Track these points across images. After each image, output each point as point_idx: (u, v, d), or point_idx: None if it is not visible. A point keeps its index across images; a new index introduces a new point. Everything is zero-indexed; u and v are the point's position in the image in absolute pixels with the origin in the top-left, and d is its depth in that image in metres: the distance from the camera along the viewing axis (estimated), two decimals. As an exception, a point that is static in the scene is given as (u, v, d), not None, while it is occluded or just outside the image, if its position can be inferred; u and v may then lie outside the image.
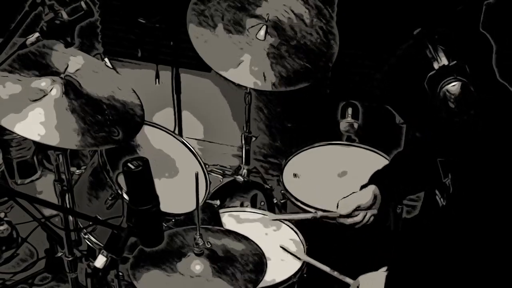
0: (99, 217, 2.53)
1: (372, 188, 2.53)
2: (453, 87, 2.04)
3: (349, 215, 2.52)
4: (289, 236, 2.71)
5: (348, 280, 2.43)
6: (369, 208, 2.52)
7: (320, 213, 2.60)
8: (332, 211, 2.56)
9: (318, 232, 2.71)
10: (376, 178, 2.59)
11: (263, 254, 2.34)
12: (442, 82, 2.05)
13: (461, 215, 2.23)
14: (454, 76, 2.04)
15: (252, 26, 2.88)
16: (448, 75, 2.05)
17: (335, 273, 2.47)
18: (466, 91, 2.04)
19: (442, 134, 2.16)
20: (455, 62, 2.05)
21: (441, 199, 2.39)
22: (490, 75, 2.15)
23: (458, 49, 2.08)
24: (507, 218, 2.15)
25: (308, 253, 2.60)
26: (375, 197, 2.52)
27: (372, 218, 2.54)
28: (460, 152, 2.21)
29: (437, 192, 2.42)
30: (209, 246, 2.25)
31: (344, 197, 2.54)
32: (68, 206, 2.68)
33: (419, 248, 2.39)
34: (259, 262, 2.30)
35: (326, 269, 2.49)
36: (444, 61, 2.06)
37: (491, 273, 2.22)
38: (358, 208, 2.51)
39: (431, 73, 2.07)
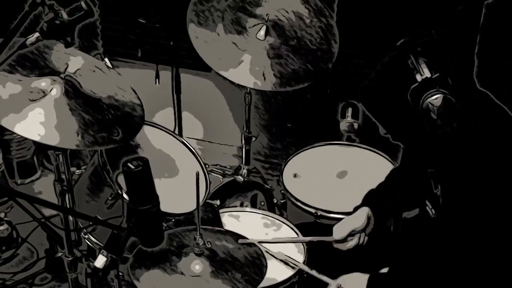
0: (99, 217, 2.53)
1: (365, 210, 2.53)
2: (436, 99, 2.06)
3: (344, 240, 2.52)
4: (289, 237, 2.71)
5: (325, 279, 2.45)
6: (363, 230, 2.53)
7: (316, 238, 2.60)
8: (327, 237, 2.56)
9: (318, 233, 2.71)
10: (369, 199, 2.58)
11: (263, 254, 2.34)
12: (425, 95, 2.06)
13: (451, 225, 2.23)
14: (436, 89, 2.06)
15: (252, 26, 2.88)
16: (430, 87, 2.06)
17: (313, 272, 2.48)
18: (449, 103, 2.05)
19: (426, 146, 2.17)
20: (437, 74, 2.07)
21: (432, 210, 2.40)
22: (471, 85, 2.15)
23: (440, 60, 2.09)
24: (496, 228, 2.15)
25: (308, 253, 2.60)
26: (368, 219, 2.52)
27: (366, 239, 2.55)
28: (445, 163, 2.21)
29: (427, 203, 2.42)
30: (209, 246, 2.25)
31: (337, 223, 2.55)
32: (68, 206, 2.68)
33: (416, 253, 2.39)
34: (259, 262, 2.30)
35: (305, 268, 2.51)
36: (426, 73, 2.07)
37: (482, 280, 2.22)
38: (352, 232, 2.52)
39: (414, 86, 2.08)
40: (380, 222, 2.57)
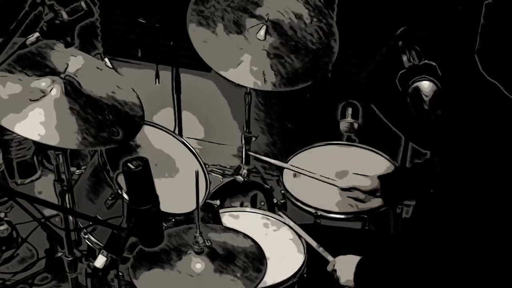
0: (99, 217, 2.53)
1: (376, 179, 2.66)
2: (423, 85, 2.08)
3: (343, 189, 2.72)
4: (289, 237, 2.71)
5: (330, 258, 2.56)
6: (364, 192, 2.65)
7: (321, 178, 2.81)
8: (332, 181, 2.79)
9: (318, 233, 2.71)
10: (385, 175, 2.70)
11: (263, 252, 2.35)
12: (412, 80, 2.08)
13: (443, 215, 2.24)
14: (423, 76, 2.08)
15: (252, 26, 2.88)
16: (418, 73, 2.09)
17: (320, 249, 2.58)
18: (434, 90, 2.07)
19: (412, 132, 2.20)
20: (425, 61, 2.09)
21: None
22: (470, 77, 2.16)
23: (435, 51, 2.10)
24: (488, 217, 2.16)
25: (308, 253, 2.60)
26: (375, 189, 2.62)
27: (364, 205, 2.69)
28: (434, 151, 2.24)
29: None
30: (209, 244, 2.25)
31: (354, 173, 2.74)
32: (68, 206, 2.68)
33: (415, 248, 2.40)
34: (259, 261, 2.30)
35: (313, 243, 2.61)
36: (416, 61, 2.09)
37: (477, 272, 2.22)
38: (355, 188, 2.68)
39: (402, 71, 2.11)
40: (385, 199, 2.69)
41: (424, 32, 2.15)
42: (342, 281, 2.44)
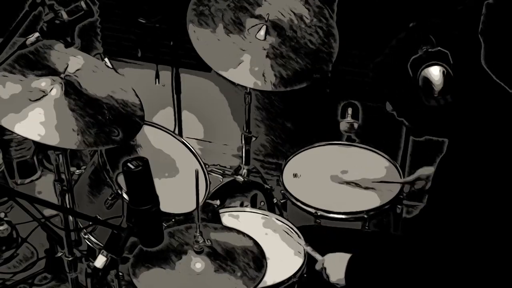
0: (99, 217, 2.53)
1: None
2: (433, 70, 2.11)
3: (412, 182, 2.84)
4: (289, 236, 2.71)
5: (318, 256, 2.52)
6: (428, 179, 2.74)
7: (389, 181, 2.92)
8: (398, 180, 2.92)
9: (318, 234, 2.71)
10: None
11: (263, 252, 2.35)
12: (424, 65, 2.11)
13: (440, 212, 2.25)
14: (435, 61, 2.11)
15: (252, 26, 2.88)
16: (430, 59, 2.11)
17: (308, 248, 2.55)
18: (445, 76, 2.10)
19: (419, 118, 2.22)
20: (438, 48, 2.11)
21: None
22: (477, 72, 2.18)
23: (449, 41, 2.12)
24: (487, 215, 2.15)
25: (308, 253, 2.60)
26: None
27: (429, 184, 2.74)
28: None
29: None
30: (209, 244, 2.25)
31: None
32: (68, 206, 2.68)
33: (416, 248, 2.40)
34: (259, 260, 2.30)
35: (301, 242, 2.60)
36: (429, 47, 2.11)
37: (476, 271, 2.22)
38: (419, 178, 2.81)
39: (414, 56, 2.13)
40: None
41: (437, 20, 2.18)
42: (333, 279, 2.41)
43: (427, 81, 2.12)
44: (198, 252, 2.24)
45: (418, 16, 2.22)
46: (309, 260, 2.56)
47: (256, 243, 2.39)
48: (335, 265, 2.42)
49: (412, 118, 2.28)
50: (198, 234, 2.23)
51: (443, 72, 2.11)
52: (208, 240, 2.25)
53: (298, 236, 2.65)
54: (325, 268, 2.44)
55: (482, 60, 2.21)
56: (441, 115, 2.19)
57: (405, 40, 2.21)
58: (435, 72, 2.11)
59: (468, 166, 2.18)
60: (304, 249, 2.58)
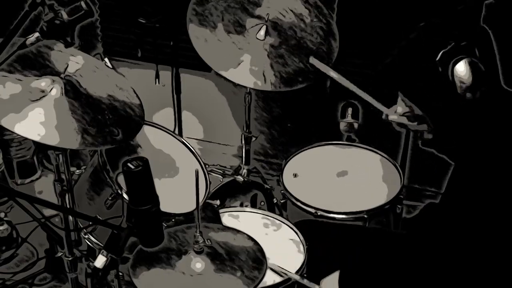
0: (99, 217, 2.53)
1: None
2: (466, 63, 2.10)
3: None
4: (289, 236, 2.71)
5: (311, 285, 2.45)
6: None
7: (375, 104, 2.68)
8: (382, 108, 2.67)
9: (318, 232, 2.71)
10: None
11: (263, 252, 2.35)
12: (455, 59, 2.11)
13: (456, 213, 2.23)
14: (465, 55, 2.11)
15: (252, 26, 2.88)
16: (460, 53, 2.11)
17: (305, 281, 2.47)
18: (477, 68, 2.10)
19: (452, 113, 2.19)
20: (465, 42, 2.12)
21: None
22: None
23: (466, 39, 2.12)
24: (504, 216, 2.15)
25: (309, 253, 2.60)
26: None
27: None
28: (462, 138, 2.23)
29: None
30: (209, 244, 2.25)
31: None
32: (68, 206, 2.68)
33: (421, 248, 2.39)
34: (259, 260, 2.30)
35: (296, 277, 2.49)
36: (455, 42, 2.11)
37: (485, 273, 2.21)
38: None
39: (444, 50, 2.13)
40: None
41: (437, 20, 2.18)
42: None
43: (463, 74, 2.10)
44: (198, 252, 2.24)
45: (418, 15, 2.21)
46: (309, 260, 2.56)
47: (256, 243, 2.39)
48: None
49: (439, 120, 2.26)
50: (198, 235, 2.23)
51: (475, 64, 2.10)
52: (208, 240, 2.25)
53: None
54: None
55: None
56: (473, 111, 2.17)
57: (418, 39, 2.20)
58: (468, 65, 2.10)
59: (484, 170, 2.16)
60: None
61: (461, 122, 2.21)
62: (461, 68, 2.10)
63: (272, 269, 2.50)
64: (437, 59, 2.13)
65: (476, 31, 2.16)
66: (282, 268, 2.50)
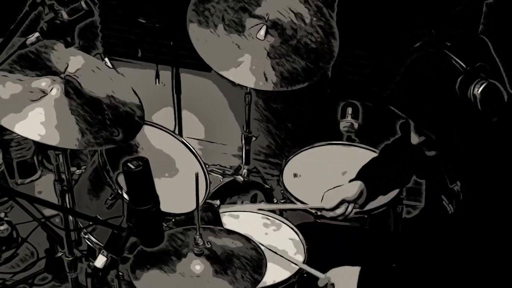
0: (99, 217, 2.53)
1: (358, 183, 2.58)
2: (488, 85, 2.03)
3: (332, 209, 2.58)
4: (289, 236, 2.71)
5: (319, 274, 2.43)
6: (354, 201, 2.57)
7: (308, 207, 2.71)
8: (317, 206, 2.64)
9: (318, 232, 2.71)
10: (363, 174, 2.63)
11: (263, 253, 2.34)
12: (474, 83, 2.04)
13: (472, 221, 2.21)
14: (482, 77, 2.04)
15: (252, 26, 2.88)
16: (476, 76, 2.04)
17: (304, 265, 2.50)
18: (497, 90, 2.04)
19: (471, 137, 2.13)
20: (479, 64, 2.05)
21: (449, 206, 2.38)
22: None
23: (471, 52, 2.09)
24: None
25: (308, 253, 2.60)
26: (361, 192, 2.57)
27: (353, 212, 2.59)
28: (480, 157, 2.19)
29: (444, 198, 2.40)
30: (209, 246, 2.25)
31: (329, 189, 2.60)
32: (68, 206, 2.68)
33: (422, 251, 2.38)
34: (259, 261, 2.30)
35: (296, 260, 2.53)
36: (463, 64, 2.06)
37: (499, 277, 2.21)
38: (342, 202, 2.57)
39: (462, 77, 2.05)
40: (371, 197, 2.62)
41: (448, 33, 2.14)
42: None
43: (488, 96, 2.03)
44: (198, 254, 2.24)
45: (418, 15, 2.18)
46: (309, 260, 2.56)
47: (255, 245, 2.38)
48: (345, 281, 2.35)
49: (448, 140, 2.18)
50: (198, 236, 2.22)
51: (495, 86, 2.04)
52: (208, 242, 2.25)
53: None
54: (332, 285, 2.37)
55: None
56: (495, 132, 2.13)
57: (419, 60, 2.14)
58: (490, 86, 2.04)
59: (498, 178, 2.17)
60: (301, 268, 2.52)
61: (476, 138, 2.16)
62: (489, 89, 2.03)
63: (278, 254, 2.54)
64: (457, 86, 2.05)
65: (476, 43, 2.14)
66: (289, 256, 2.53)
